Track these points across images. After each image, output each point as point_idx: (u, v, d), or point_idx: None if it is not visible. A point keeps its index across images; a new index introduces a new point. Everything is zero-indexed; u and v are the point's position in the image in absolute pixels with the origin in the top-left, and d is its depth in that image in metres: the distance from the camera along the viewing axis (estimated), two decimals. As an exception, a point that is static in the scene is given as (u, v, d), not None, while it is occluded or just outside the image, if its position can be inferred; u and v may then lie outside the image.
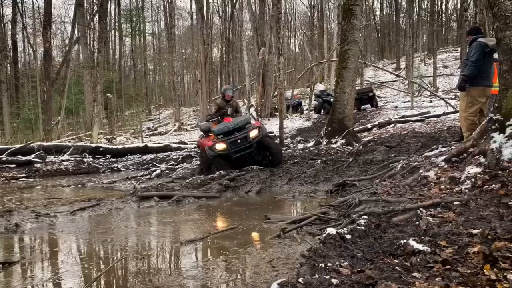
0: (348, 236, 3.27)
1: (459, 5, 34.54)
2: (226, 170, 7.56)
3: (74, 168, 10.89)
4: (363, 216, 3.81)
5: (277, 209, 5.75)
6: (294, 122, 20.67)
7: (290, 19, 41.56)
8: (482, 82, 6.00)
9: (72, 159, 11.58)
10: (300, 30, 48.26)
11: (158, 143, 14.56)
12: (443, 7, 41.48)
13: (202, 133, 9.04)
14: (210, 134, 8.36)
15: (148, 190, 6.97)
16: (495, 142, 4.44)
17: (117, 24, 37.98)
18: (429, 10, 37.83)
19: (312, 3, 39.87)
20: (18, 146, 12.24)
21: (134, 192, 6.78)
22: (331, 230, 3.38)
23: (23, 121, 24.16)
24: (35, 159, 11.11)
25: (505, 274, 2.14)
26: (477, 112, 6.09)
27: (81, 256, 3.97)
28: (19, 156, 11.25)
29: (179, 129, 23.79)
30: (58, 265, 3.64)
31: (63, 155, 12.04)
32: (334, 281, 2.28)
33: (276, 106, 22.05)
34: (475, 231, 2.88)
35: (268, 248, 3.78)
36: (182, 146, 13.64)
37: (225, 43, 40.02)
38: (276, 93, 20.46)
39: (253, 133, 7.81)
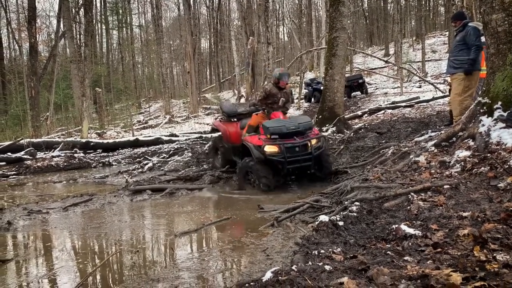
0: (341, 223, 3.31)
1: (446, -11, 34.50)
2: (263, 181, 5.95)
3: (65, 163, 10.81)
4: (355, 203, 3.85)
5: (270, 198, 5.77)
6: (285, 111, 20.61)
7: (278, 7, 41.33)
8: (477, 66, 6.16)
9: (63, 154, 11.49)
10: (288, 18, 47.94)
11: (149, 136, 14.47)
12: (431, -9, 41.56)
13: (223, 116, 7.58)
14: (234, 120, 7.23)
15: (140, 183, 6.96)
16: (483, 125, 4.49)
17: (103, 17, 37.49)
18: (416, -5, 37.86)
19: (300, -9, 39.67)
20: (7, 143, 12.07)
21: (126, 186, 6.77)
22: (323, 218, 3.42)
23: (11, 118, 23.79)
24: (25, 156, 11.01)
25: (495, 255, 2.18)
26: (472, 95, 6.19)
27: (75, 251, 3.97)
28: (9, 154, 11.15)
29: (170, 122, 23.63)
30: (53, 261, 3.64)
31: (53, 151, 11.92)
32: (327, 267, 2.31)
33: (267, 96, 22.06)
34: (465, 214, 2.92)
35: (262, 237, 3.81)
36: (174, 138, 13.56)
37: (213, 33, 39.72)
38: (265, 82, 20.44)
39: (314, 143, 6.07)
